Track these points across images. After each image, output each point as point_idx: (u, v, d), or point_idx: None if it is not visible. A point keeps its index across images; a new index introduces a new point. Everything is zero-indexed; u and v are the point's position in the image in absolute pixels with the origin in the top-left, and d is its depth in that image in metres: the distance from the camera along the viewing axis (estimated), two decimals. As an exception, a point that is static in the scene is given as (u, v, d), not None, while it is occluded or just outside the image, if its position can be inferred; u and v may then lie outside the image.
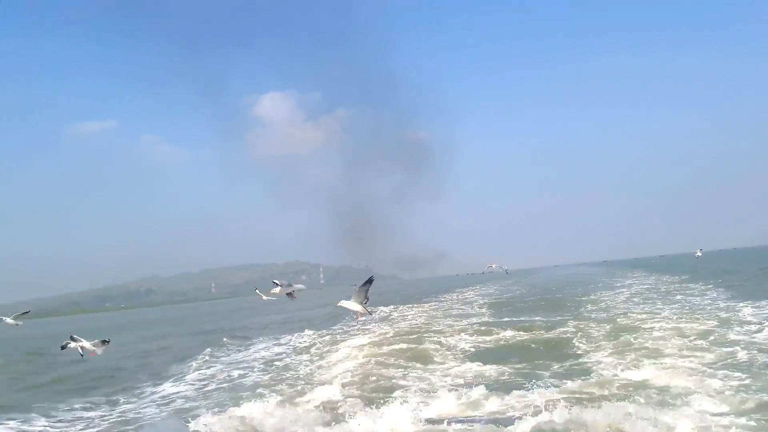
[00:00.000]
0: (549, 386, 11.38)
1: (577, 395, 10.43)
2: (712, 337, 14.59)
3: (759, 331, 14.90)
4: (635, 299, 28.61)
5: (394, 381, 13.32)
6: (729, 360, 12.23)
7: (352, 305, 11.82)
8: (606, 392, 10.44)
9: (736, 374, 10.96)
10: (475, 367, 14.31)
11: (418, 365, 14.93)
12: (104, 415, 13.30)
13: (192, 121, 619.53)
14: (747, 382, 10.37)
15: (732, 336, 14.60)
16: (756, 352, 12.57)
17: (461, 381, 12.89)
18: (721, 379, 10.69)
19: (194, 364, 19.59)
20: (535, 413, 8.99)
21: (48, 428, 12.38)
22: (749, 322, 16.48)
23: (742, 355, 12.45)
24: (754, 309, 18.99)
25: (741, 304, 20.59)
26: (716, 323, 16.48)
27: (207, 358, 20.80)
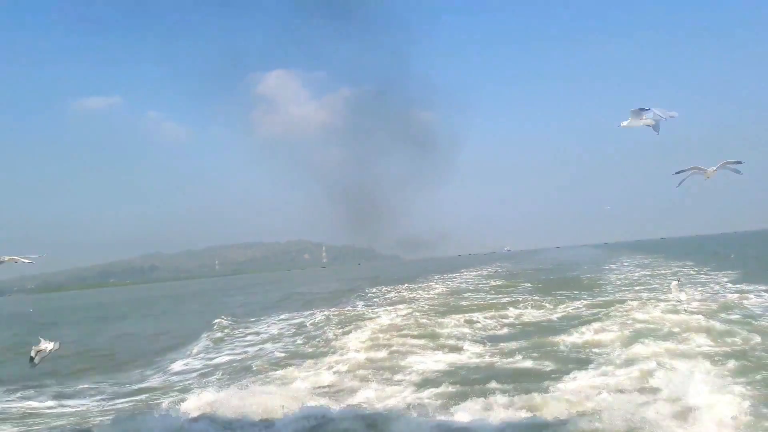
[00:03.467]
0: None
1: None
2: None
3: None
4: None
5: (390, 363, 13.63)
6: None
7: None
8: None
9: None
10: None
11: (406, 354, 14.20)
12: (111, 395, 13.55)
13: (197, 98, 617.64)
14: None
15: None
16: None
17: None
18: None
19: (198, 343, 19.94)
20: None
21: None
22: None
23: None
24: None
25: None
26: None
27: (211, 337, 21.10)
